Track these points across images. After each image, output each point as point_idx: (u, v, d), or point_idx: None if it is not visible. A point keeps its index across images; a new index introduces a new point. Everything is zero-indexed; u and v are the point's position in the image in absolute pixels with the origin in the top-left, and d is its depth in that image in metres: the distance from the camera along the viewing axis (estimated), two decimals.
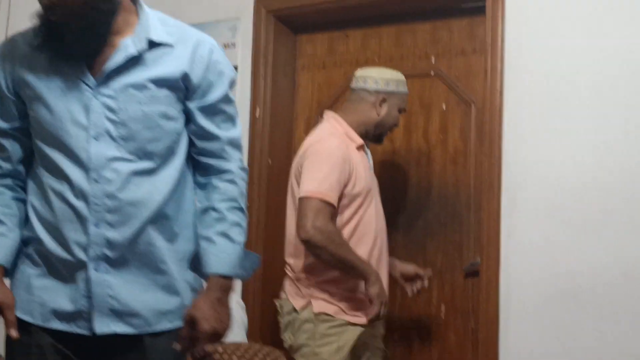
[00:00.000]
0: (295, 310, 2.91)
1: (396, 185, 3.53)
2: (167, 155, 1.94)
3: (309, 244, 2.80)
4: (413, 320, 3.42)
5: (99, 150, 1.87)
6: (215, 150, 2.00)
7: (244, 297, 3.41)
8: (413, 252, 3.35)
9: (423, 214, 3.47)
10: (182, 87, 1.94)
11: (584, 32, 3.02)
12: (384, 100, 3.03)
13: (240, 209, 1.99)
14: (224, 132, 2.00)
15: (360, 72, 3.10)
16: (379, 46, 3.64)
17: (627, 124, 2.93)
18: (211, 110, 1.98)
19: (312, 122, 3.69)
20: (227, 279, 1.95)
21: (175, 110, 1.94)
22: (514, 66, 3.13)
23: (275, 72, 3.68)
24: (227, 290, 1.95)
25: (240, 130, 2.06)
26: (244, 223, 2.00)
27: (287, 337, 2.94)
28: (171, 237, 1.94)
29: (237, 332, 2.93)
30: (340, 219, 2.90)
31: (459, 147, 3.42)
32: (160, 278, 1.93)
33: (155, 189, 1.91)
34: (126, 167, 1.88)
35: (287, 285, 2.99)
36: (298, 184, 2.93)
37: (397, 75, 3.08)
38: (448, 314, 3.38)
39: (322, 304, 2.88)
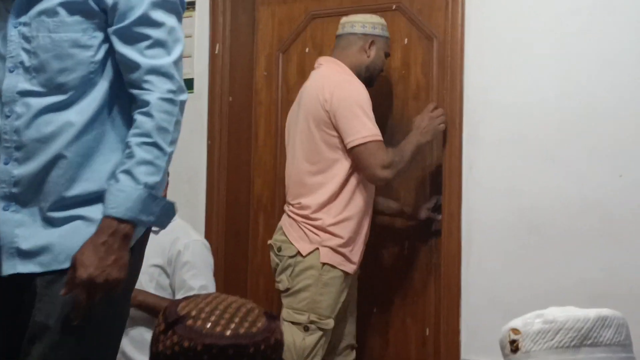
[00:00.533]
0: (299, 254, 2.96)
1: None
2: (82, 88, 1.82)
3: (390, 180, 3.07)
4: (376, 256, 3.43)
5: (10, 83, 1.81)
6: (135, 79, 1.82)
7: (207, 237, 3.39)
8: (376, 188, 3.34)
9: None
10: (98, 12, 1.82)
11: None
12: (372, 43, 3.12)
13: (154, 145, 1.78)
14: (147, 59, 1.81)
15: (346, 19, 3.17)
16: None
17: (588, 53, 2.92)
18: (129, 35, 1.81)
19: (273, 58, 3.64)
20: (123, 222, 1.74)
21: (91, 38, 1.82)
22: None
23: (235, 7, 3.61)
24: (119, 235, 1.74)
25: (176, 58, 1.85)
26: (160, 161, 1.79)
27: (284, 279, 2.98)
28: (90, 176, 1.82)
29: (205, 273, 2.92)
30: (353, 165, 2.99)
31: (421, 82, 3.40)
32: (73, 216, 1.82)
33: (66, 125, 1.80)
34: (37, 102, 1.80)
35: (289, 228, 3.02)
36: (318, 126, 2.97)
37: (381, 20, 3.18)
38: (411, 249, 3.40)
39: (329, 254, 2.95)
